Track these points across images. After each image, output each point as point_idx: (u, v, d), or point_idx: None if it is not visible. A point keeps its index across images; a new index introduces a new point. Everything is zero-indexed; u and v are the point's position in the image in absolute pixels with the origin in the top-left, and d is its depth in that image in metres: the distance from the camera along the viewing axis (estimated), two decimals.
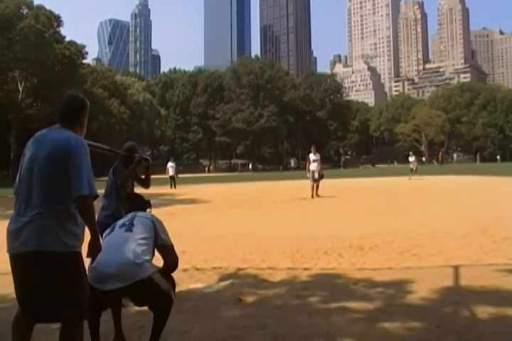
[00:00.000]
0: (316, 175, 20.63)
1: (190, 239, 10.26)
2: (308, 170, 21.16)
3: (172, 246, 4.60)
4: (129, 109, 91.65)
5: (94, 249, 3.57)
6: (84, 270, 3.59)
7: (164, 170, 35.40)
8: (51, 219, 3.39)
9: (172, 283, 4.42)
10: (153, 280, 4.06)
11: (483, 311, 4.99)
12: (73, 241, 3.46)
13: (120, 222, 4.46)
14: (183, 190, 29.72)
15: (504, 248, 8.34)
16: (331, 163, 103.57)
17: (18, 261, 3.41)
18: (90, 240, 3.55)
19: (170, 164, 34.98)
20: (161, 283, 4.14)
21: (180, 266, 7.55)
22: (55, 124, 3.72)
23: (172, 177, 33.74)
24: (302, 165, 25.74)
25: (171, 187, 32.43)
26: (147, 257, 4.16)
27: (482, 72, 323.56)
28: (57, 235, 3.38)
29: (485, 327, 4.54)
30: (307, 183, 21.24)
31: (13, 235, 3.43)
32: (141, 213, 4.58)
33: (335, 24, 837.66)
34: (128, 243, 4.11)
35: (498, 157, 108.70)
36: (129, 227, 4.26)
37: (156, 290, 4.06)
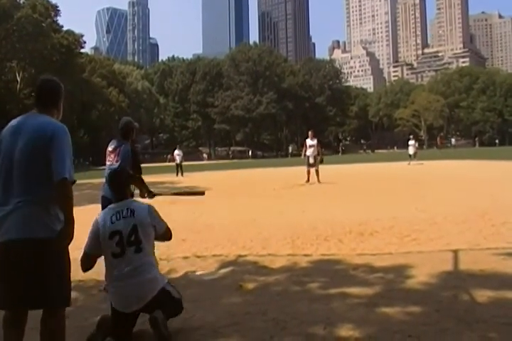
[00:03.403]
0: (312, 160, 20.44)
1: (190, 226, 10.29)
2: (305, 155, 21.09)
3: (167, 227, 4.63)
4: (127, 97, 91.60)
5: (66, 238, 3.40)
6: (69, 256, 3.55)
7: (165, 159, 35.33)
8: (36, 206, 3.34)
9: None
10: (164, 288, 4.31)
11: (483, 295, 5.02)
12: (60, 227, 3.38)
13: (124, 229, 4.20)
14: (182, 178, 29.70)
15: (503, 232, 8.36)
16: (331, 150, 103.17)
17: (3, 249, 3.36)
18: (62, 227, 3.38)
19: (177, 152, 34.93)
20: (172, 290, 4.39)
21: (180, 253, 7.68)
22: (31, 110, 3.65)
23: (179, 165, 33.69)
24: (301, 152, 25.45)
25: (177, 174, 32.41)
26: (155, 263, 4.37)
27: (481, 56, 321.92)
28: (43, 222, 3.34)
29: (484, 311, 4.56)
30: (305, 169, 21.12)
31: None
32: (138, 212, 4.31)
33: (333, 10, 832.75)
34: (142, 265, 4.24)
35: (496, 141, 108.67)
36: (138, 246, 4.20)
37: (167, 297, 4.29)
